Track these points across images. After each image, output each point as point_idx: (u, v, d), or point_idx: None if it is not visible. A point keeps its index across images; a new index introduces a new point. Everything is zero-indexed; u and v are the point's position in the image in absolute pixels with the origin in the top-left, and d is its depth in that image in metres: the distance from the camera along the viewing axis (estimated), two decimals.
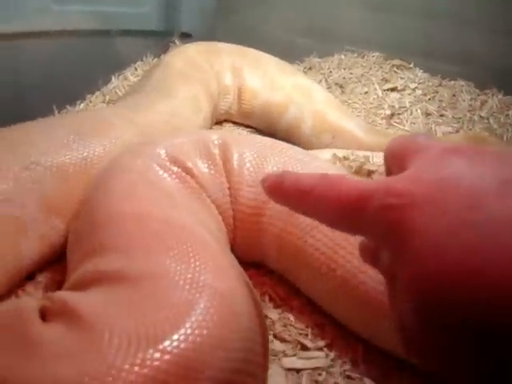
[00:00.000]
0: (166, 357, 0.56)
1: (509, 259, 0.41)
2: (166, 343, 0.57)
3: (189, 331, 0.59)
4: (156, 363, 0.55)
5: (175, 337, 0.58)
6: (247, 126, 1.75)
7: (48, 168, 1.04)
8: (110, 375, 0.53)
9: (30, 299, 0.68)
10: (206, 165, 1.03)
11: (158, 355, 0.56)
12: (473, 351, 0.42)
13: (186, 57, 1.65)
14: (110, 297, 0.66)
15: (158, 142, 1.05)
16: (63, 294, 0.68)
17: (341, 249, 0.93)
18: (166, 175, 0.96)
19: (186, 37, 2.18)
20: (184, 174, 0.99)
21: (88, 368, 0.54)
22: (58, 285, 1.01)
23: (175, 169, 0.99)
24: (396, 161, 0.57)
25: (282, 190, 0.62)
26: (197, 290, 0.65)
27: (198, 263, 0.69)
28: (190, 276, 0.67)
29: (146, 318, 0.60)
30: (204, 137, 1.08)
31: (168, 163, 0.99)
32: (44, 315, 0.65)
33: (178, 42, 2.14)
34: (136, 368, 0.54)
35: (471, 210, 0.44)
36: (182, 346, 0.58)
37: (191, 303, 0.63)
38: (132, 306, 0.63)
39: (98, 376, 0.53)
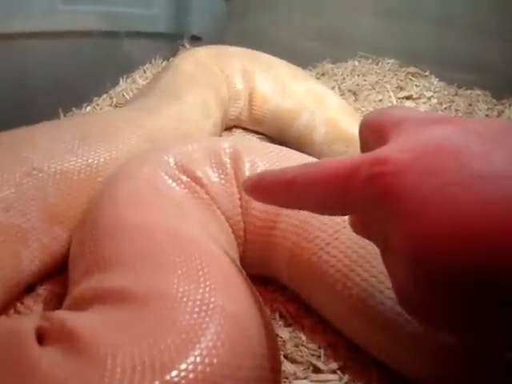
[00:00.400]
0: None
1: (496, 212, 0.42)
2: (174, 373, 0.52)
3: (198, 359, 0.54)
4: None
5: (183, 366, 0.53)
6: (257, 133, 1.70)
7: (51, 175, 0.99)
8: None
9: (27, 319, 0.63)
10: (216, 174, 0.99)
11: None
12: (473, 302, 0.43)
13: (196, 60, 1.61)
14: (113, 318, 0.61)
15: (167, 149, 1.00)
16: (62, 314, 0.63)
17: (357, 266, 0.88)
18: (174, 184, 0.92)
19: (196, 40, 2.14)
20: (193, 183, 0.94)
21: None
22: (59, 298, 0.96)
23: (184, 178, 0.94)
24: (373, 134, 0.59)
25: (264, 187, 0.62)
26: (206, 313, 0.60)
27: (208, 282, 0.64)
28: (199, 297, 0.62)
29: (152, 344, 0.55)
30: (215, 144, 1.04)
31: (177, 172, 0.94)
32: (41, 337, 0.60)
33: (187, 45, 2.10)
34: None
35: (457, 169, 0.45)
36: (191, 376, 0.53)
37: (201, 327, 0.58)
38: (136, 329, 0.58)
39: None
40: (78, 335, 0.56)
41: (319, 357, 0.91)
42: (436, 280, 0.44)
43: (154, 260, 0.69)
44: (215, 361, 0.55)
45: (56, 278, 1.00)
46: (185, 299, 0.61)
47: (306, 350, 0.93)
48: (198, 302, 0.61)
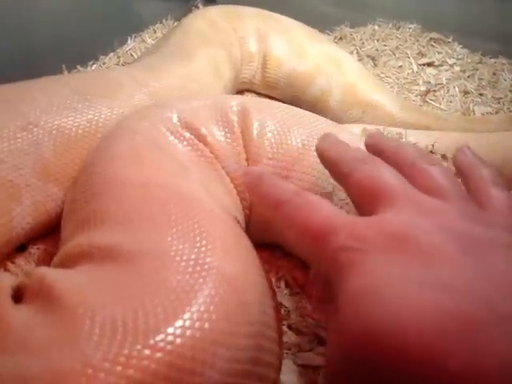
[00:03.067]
0: (157, 355, 0.45)
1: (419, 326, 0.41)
2: (159, 337, 0.47)
3: (188, 323, 0.49)
4: (144, 362, 0.45)
5: (170, 330, 0.47)
6: (270, 98, 1.63)
7: (48, 130, 0.94)
8: (84, 375, 0.42)
9: (6, 275, 0.58)
10: (222, 132, 0.92)
11: (147, 352, 0.45)
12: None
13: (208, 19, 1.53)
14: (98, 276, 0.56)
15: (170, 105, 0.94)
16: (43, 270, 0.57)
17: None
18: (176, 141, 0.85)
19: (210, 1, 2.06)
20: (197, 141, 0.88)
21: (60, 364, 0.43)
22: (51, 258, 0.89)
23: (187, 135, 0.88)
24: (366, 198, 0.59)
25: (257, 193, 0.65)
26: (200, 274, 0.54)
27: (204, 242, 0.58)
28: (193, 257, 0.56)
29: (137, 305, 0.50)
30: (222, 101, 0.97)
31: (180, 128, 0.88)
32: (21, 294, 0.55)
33: (201, 7, 2.02)
34: (118, 368, 0.44)
35: (418, 275, 0.44)
36: (178, 341, 0.47)
37: (193, 289, 0.52)
38: (122, 288, 0.53)
39: (69, 375, 0.42)
40: (56, 292, 0.51)
41: (325, 328, 0.86)
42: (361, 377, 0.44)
43: (147, 217, 0.63)
44: (206, 325, 0.49)
45: (50, 237, 0.95)
46: (177, 258, 0.55)
47: (311, 320, 0.87)
48: (192, 262, 0.55)
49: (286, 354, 0.81)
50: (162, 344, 0.46)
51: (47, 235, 0.95)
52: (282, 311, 0.88)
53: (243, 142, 0.93)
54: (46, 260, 0.91)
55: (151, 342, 0.46)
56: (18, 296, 0.55)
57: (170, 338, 0.47)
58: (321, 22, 1.87)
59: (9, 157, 0.88)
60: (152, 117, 0.88)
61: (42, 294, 0.52)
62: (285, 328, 0.85)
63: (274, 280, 0.93)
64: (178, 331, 0.48)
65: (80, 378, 0.42)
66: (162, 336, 0.47)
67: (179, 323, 0.48)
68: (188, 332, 0.48)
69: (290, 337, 0.84)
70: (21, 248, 0.93)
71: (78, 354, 0.44)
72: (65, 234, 0.76)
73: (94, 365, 0.43)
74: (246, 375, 0.52)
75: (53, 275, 0.55)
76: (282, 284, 0.93)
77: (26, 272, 0.58)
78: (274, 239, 0.97)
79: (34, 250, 0.93)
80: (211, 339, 0.49)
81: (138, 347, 0.45)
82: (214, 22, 1.54)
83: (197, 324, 0.49)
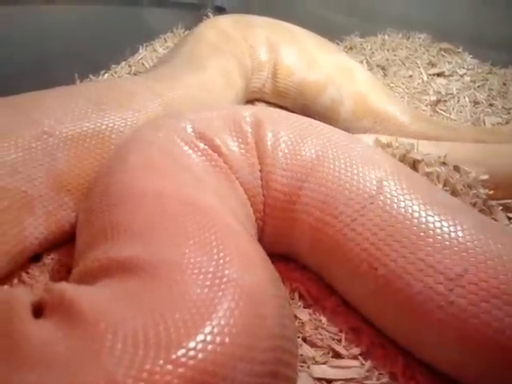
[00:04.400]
0: (179, 370, 0.45)
1: None
2: (180, 352, 0.46)
3: (209, 338, 0.48)
4: (166, 378, 0.45)
5: (192, 344, 0.47)
6: (281, 107, 1.63)
7: (62, 140, 0.94)
8: None
9: (25, 291, 0.57)
10: (236, 143, 0.92)
11: (169, 367, 0.45)
12: None
13: (219, 29, 1.54)
14: (119, 290, 0.56)
15: (184, 116, 0.94)
16: (63, 285, 0.57)
17: (385, 245, 0.81)
18: (190, 151, 0.86)
19: (220, 11, 2.07)
20: (211, 151, 0.88)
21: (82, 380, 0.43)
22: (66, 268, 0.91)
23: (201, 145, 0.88)
24: None
25: None
26: (219, 287, 0.54)
27: (221, 254, 0.58)
28: (211, 269, 0.56)
29: (158, 319, 0.49)
30: (235, 112, 0.97)
31: (194, 139, 0.88)
32: (41, 310, 0.55)
33: (211, 16, 2.02)
34: (141, 383, 0.43)
35: None
36: (200, 356, 0.47)
37: (213, 303, 0.52)
38: (142, 303, 0.52)
39: None
40: (77, 308, 0.51)
41: (340, 341, 0.85)
42: None
43: (164, 228, 0.63)
44: (227, 340, 0.49)
45: (64, 247, 0.95)
46: (196, 271, 0.55)
47: (326, 333, 0.86)
48: (210, 275, 0.55)
49: (301, 366, 0.81)
50: (184, 359, 0.46)
51: (61, 245, 0.95)
52: (297, 323, 0.87)
53: (257, 153, 0.93)
54: (61, 270, 0.91)
55: (173, 356, 0.46)
56: (38, 311, 0.55)
57: (191, 352, 0.47)
58: (331, 32, 1.87)
59: (23, 167, 0.88)
60: (166, 127, 0.89)
61: (62, 310, 0.52)
62: (299, 340, 0.84)
63: (288, 292, 0.93)
64: (200, 346, 0.47)
65: None
66: (183, 351, 0.46)
67: (200, 337, 0.48)
68: (209, 346, 0.48)
69: (304, 349, 0.84)
70: (35, 258, 0.93)
71: (101, 370, 0.44)
72: (80, 245, 0.76)
73: (117, 381, 0.43)
74: None
75: (73, 291, 0.54)
76: (296, 296, 0.93)
77: (46, 288, 0.58)
78: (288, 251, 0.96)
79: (49, 261, 0.93)
80: (231, 353, 0.49)
81: (161, 362, 0.45)
82: (224, 31, 1.54)
83: (218, 338, 0.49)
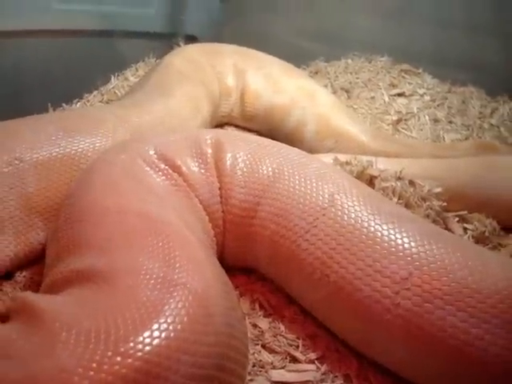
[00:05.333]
0: (126, 361, 0.50)
1: None
2: (128, 346, 0.52)
3: (155, 333, 0.54)
4: (114, 367, 0.50)
5: (138, 339, 0.53)
6: (249, 130, 1.70)
7: (32, 165, 0.99)
8: (60, 379, 0.47)
9: None
10: (196, 163, 0.98)
11: (117, 358, 0.50)
12: None
13: (187, 57, 1.61)
14: (76, 296, 0.61)
15: (147, 139, 1.00)
16: (27, 294, 0.62)
17: (336, 254, 0.87)
18: (151, 171, 0.91)
19: (191, 39, 2.14)
20: (171, 171, 0.94)
21: (38, 370, 0.48)
22: (37, 285, 0.95)
23: (162, 166, 0.94)
24: None
25: None
26: (168, 290, 0.59)
27: (172, 261, 0.64)
28: (162, 275, 0.61)
29: (111, 319, 0.55)
30: (197, 135, 1.03)
31: (155, 160, 0.94)
32: (8, 316, 0.60)
33: (182, 45, 2.09)
34: (91, 372, 0.48)
35: None
36: (146, 349, 0.52)
37: (161, 303, 0.57)
38: (98, 305, 0.58)
39: (46, 380, 0.47)
40: (36, 310, 0.56)
41: (297, 347, 0.90)
42: None
43: (122, 241, 0.69)
44: (172, 335, 0.54)
45: (35, 266, 1.00)
46: (148, 276, 0.61)
47: (284, 340, 0.91)
48: (160, 280, 0.60)
49: (260, 371, 0.85)
50: (131, 351, 0.51)
51: (33, 264, 1.00)
52: (257, 331, 0.92)
53: (216, 173, 0.99)
54: (32, 287, 0.95)
55: (121, 349, 0.51)
56: (6, 320, 0.60)
57: (138, 346, 0.52)
58: (297, 57, 1.95)
59: None
60: (129, 149, 0.94)
61: (23, 313, 0.57)
62: (259, 348, 0.90)
63: (248, 303, 0.98)
64: (147, 340, 0.53)
65: (56, 382, 0.47)
66: (131, 344, 0.52)
67: (147, 333, 0.53)
68: (155, 341, 0.53)
69: (263, 355, 0.88)
70: (7, 276, 0.97)
71: (55, 361, 0.49)
72: (48, 262, 0.81)
73: (69, 370, 0.48)
74: (210, 380, 0.57)
75: (34, 297, 0.60)
76: (257, 306, 0.98)
77: (12, 297, 0.63)
78: (248, 263, 1.02)
79: (21, 278, 0.98)
80: (176, 346, 0.54)
81: (109, 354, 0.50)
82: (192, 59, 1.61)
83: (163, 334, 0.54)
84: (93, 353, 0.50)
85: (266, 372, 0.85)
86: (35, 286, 0.96)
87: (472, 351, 0.75)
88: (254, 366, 0.85)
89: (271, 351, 0.89)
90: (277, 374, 0.85)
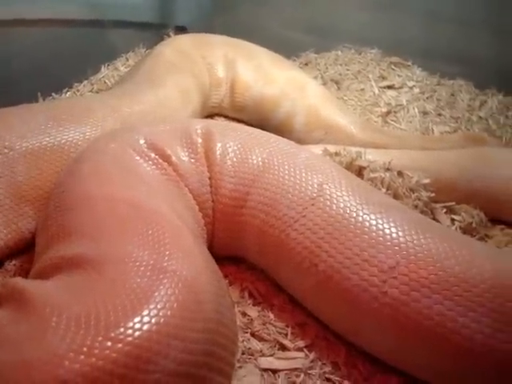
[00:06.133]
0: (116, 345, 0.51)
1: None
2: (118, 331, 0.52)
3: (145, 319, 0.54)
4: (105, 352, 0.50)
5: (129, 324, 0.53)
6: (239, 121, 1.70)
7: (22, 154, 1.00)
8: (51, 363, 0.48)
9: None
10: (186, 153, 0.99)
11: (107, 343, 0.51)
12: None
13: (177, 48, 1.60)
14: (66, 282, 0.61)
15: (137, 128, 1.00)
16: (17, 279, 0.63)
17: (324, 243, 0.88)
18: (141, 160, 0.92)
19: (181, 30, 2.13)
20: (161, 160, 0.94)
21: (29, 355, 0.49)
22: (28, 273, 0.95)
23: (152, 155, 0.94)
24: None
25: None
26: (158, 277, 0.60)
27: (162, 249, 0.64)
28: (152, 262, 0.62)
29: (101, 305, 0.55)
30: (187, 125, 1.04)
31: (145, 149, 0.94)
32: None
33: (172, 35, 2.08)
34: (81, 356, 0.49)
35: None
36: (136, 334, 0.53)
37: (151, 289, 0.58)
38: (88, 291, 0.58)
39: (38, 364, 0.48)
40: (27, 296, 0.57)
41: (286, 335, 0.91)
42: None
43: (111, 228, 0.69)
44: (162, 320, 0.55)
45: (25, 254, 1.00)
46: (137, 264, 0.61)
47: (273, 328, 0.92)
48: (150, 267, 0.61)
49: (249, 359, 0.86)
50: (121, 336, 0.52)
51: (23, 252, 1.00)
52: (246, 320, 0.93)
53: (206, 162, 0.99)
54: (22, 275, 0.95)
55: (111, 334, 0.52)
56: None
57: (128, 331, 0.52)
58: (288, 49, 1.95)
59: None
60: (119, 139, 0.94)
61: (13, 298, 0.57)
62: (248, 336, 0.90)
63: (238, 291, 0.99)
64: (137, 325, 0.53)
65: (47, 366, 0.48)
66: (121, 329, 0.52)
67: (137, 318, 0.54)
68: (145, 326, 0.54)
69: (252, 343, 0.89)
70: None
71: (46, 346, 0.49)
72: (38, 250, 0.81)
73: (60, 354, 0.49)
74: (200, 365, 0.58)
75: (24, 283, 0.61)
76: (246, 294, 0.99)
77: (2, 283, 0.63)
78: (238, 252, 1.02)
79: (11, 267, 0.98)
80: (166, 332, 0.55)
81: (100, 339, 0.51)
82: (182, 50, 1.61)
83: (153, 319, 0.54)
84: (83, 338, 0.51)
85: (255, 359, 0.86)
86: (25, 274, 0.96)
87: (459, 339, 0.76)
88: (243, 353, 0.86)
89: (260, 339, 0.90)
90: (266, 362, 0.86)
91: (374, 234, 0.86)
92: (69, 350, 0.49)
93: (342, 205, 0.90)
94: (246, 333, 0.91)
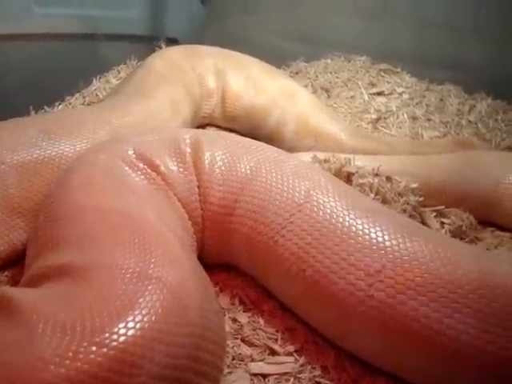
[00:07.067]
0: (101, 350, 0.52)
1: None
2: (103, 336, 0.54)
3: (130, 324, 0.56)
4: (90, 356, 0.52)
5: (114, 329, 0.55)
6: (231, 130, 1.71)
7: (13, 167, 1.01)
8: (37, 368, 0.49)
9: None
10: (174, 162, 1.00)
11: (92, 348, 0.52)
12: None
13: (168, 59, 1.62)
14: (54, 290, 0.63)
15: (126, 139, 1.02)
16: (5, 288, 0.65)
17: (312, 248, 0.89)
18: (130, 171, 0.93)
19: (173, 42, 2.15)
20: (150, 170, 0.96)
21: (16, 360, 0.50)
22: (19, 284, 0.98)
23: (141, 165, 0.95)
24: None
25: None
26: (143, 283, 0.61)
27: (148, 257, 0.66)
28: (137, 269, 0.63)
29: (87, 311, 0.57)
30: (176, 134, 1.05)
31: (134, 159, 0.96)
32: None
33: (164, 47, 2.10)
34: (67, 361, 0.50)
35: None
36: (121, 339, 0.54)
37: (136, 296, 0.59)
38: (75, 298, 0.60)
39: (23, 368, 0.49)
40: (15, 303, 0.58)
41: (276, 340, 0.92)
42: None
43: (99, 237, 0.71)
44: (146, 326, 0.56)
45: (18, 265, 1.01)
46: (123, 271, 0.63)
47: (263, 333, 0.93)
48: (136, 274, 0.62)
49: (239, 364, 0.87)
50: (106, 341, 0.53)
51: (15, 264, 1.01)
52: (236, 325, 0.94)
53: (195, 171, 1.00)
54: (14, 286, 0.96)
55: (97, 339, 0.53)
56: None
57: (113, 336, 0.54)
58: (278, 58, 1.98)
59: None
60: (108, 149, 0.96)
61: (2, 306, 0.59)
62: (238, 341, 0.91)
63: (228, 298, 1.00)
64: (121, 331, 0.55)
65: (33, 370, 0.49)
66: (106, 335, 0.54)
67: (122, 324, 0.55)
68: (130, 331, 0.55)
69: (242, 349, 0.90)
70: None
71: (32, 351, 0.51)
72: (28, 260, 0.83)
73: (46, 359, 0.50)
74: (185, 369, 0.59)
75: (13, 290, 0.62)
76: (237, 301, 1.00)
77: None
78: (228, 260, 1.04)
79: (3, 278, 0.99)
80: (150, 337, 0.56)
81: (85, 344, 0.52)
82: (173, 61, 1.62)
83: (138, 325, 0.56)
84: (69, 343, 0.52)
85: (246, 365, 0.87)
86: (17, 284, 0.97)
87: (445, 341, 0.77)
88: (233, 359, 0.87)
89: (250, 344, 0.91)
90: (256, 367, 0.87)
91: (360, 238, 0.87)
92: (54, 355, 0.50)
93: (328, 210, 0.91)
94: (237, 338, 0.92)
